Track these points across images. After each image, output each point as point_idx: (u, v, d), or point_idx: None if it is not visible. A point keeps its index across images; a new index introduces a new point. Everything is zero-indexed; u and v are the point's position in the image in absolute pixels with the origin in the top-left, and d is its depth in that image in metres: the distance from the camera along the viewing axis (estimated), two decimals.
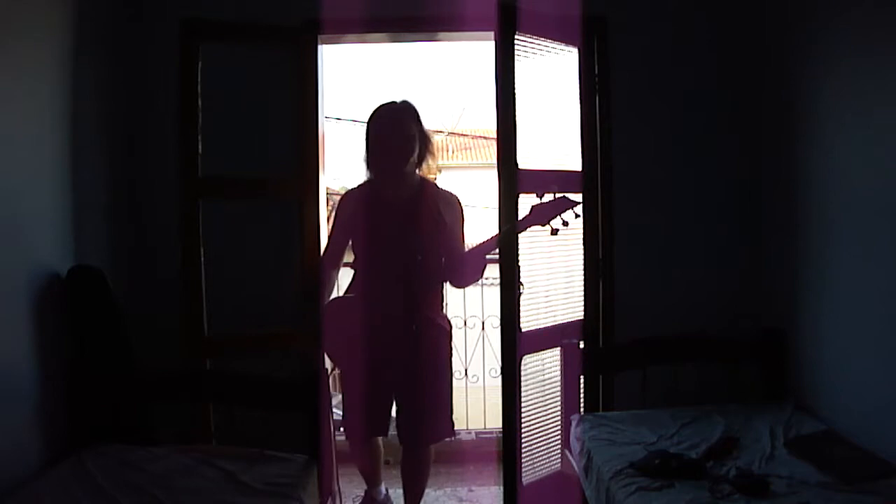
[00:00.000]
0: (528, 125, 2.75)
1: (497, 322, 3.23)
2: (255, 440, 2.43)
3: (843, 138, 2.47)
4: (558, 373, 2.82)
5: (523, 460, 2.81)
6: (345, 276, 2.78)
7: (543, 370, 2.92)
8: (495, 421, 3.52)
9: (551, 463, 2.92)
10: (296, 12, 2.95)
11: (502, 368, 2.78)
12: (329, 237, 2.77)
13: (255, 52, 3.02)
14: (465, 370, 4.28)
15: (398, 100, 2.63)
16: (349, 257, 2.74)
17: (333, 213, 2.77)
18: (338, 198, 2.86)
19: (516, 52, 2.71)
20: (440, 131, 14.22)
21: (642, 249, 3.08)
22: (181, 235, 2.94)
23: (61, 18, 2.50)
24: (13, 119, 2.19)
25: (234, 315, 2.93)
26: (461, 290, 4.19)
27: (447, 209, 2.63)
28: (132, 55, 2.99)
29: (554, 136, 2.96)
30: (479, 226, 3.62)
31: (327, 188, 3.26)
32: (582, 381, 2.85)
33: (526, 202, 2.68)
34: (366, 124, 2.61)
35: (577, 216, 2.55)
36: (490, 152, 12.23)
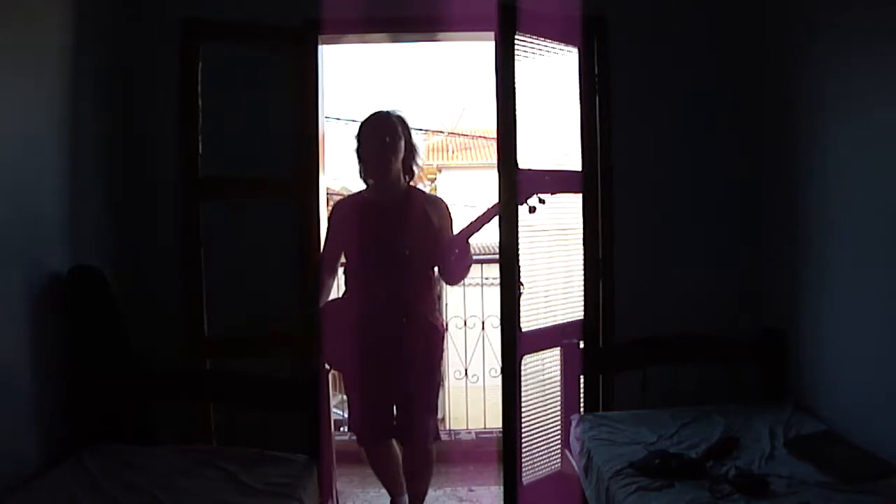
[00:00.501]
0: (529, 125, 2.75)
1: (497, 322, 3.23)
2: (255, 440, 2.43)
3: (843, 138, 2.47)
4: (558, 373, 2.82)
5: (523, 460, 2.81)
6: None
7: (543, 370, 2.92)
8: (495, 421, 3.52)
9: (551, 463, 2.92)
10: (296, 12, 2.95)
11: (502, 368, 2.78)
12: (323, 247, 2.83)
13: (255, 52, 3.02)
14: (465, 370, 4.28)
15: (388, 110, 2.71)
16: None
17: (327, 224, 2.87)
18: (338, 198, 2.89)
19: (516, 52, 2.71)
20: (440, 131, 14.23)
21: (642, 249, 3.07)
22: (181, 235, 2.94)
23: (61, 18, 2.50)
24: (13, 119, 2.19)
25: (235, 315, 2.93)
26: (460, 289, 4.22)
27: (434, 211, 2.72)
28: (132, 55, 2.99)
29: (554, 136, 2.96)
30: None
31: (327, 188, 3.26)
32: (582, 381, 2.85)
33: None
34: (357, 132, 2.71)
35: (541, 201, 2.71)
36: (490, 152, 12.22)
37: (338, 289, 2.82)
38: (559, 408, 2.82)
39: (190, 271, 2.94)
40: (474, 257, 2.77)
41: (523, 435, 2.81)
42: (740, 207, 3.09)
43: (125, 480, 2.10)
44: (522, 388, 2.79)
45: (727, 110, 3.09)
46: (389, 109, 2.72)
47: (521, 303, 2.78)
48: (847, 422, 2.40)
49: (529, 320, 2.83)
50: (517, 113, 2.70)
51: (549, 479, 2.89)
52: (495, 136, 2.75)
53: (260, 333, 2.98)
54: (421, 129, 14.31)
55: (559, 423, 2.84)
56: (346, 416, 3.27)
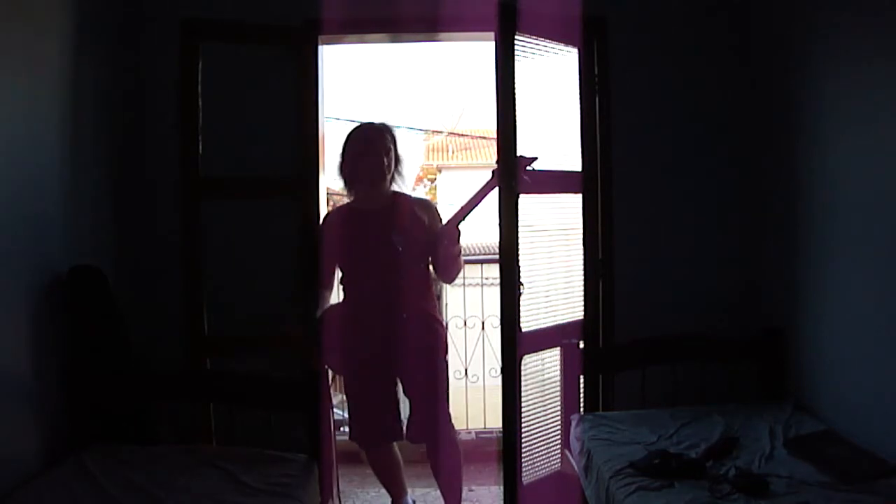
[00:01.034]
0: (528, 125, 2.75)
1: (497, 322, 3.23)
2: (255, 440, 2.43)
3: (843, 138, 2.47)
4: (558, 373, 2.82)
5: (523, 460, 2.81)
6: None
7: (543, 370, 2.92)
8: (495, 421, 3.52)
9: (551, 463, 2.92)
10: (296, 12, 2.95)
11: (502, 368, 2.78)
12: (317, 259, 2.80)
13: (255, 52, 3.02)
14: (465, 370, 4.28)
15: (374, 122, 2.74)
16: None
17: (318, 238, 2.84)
18: (338, 198, 2.89)
19: (516, 53, 2.71)
20: (440, 131, 14.23)
21: (642, 249, 3.07)
22: (181, 235, 2.94)
23: (62, 19, 2.50)
24: (13, 119, 2.19)
25: (234, 315, 2.93)
26: (460, 289, 4.21)
27: (423, 210, 2.73)
28: (132, 55, 2.99)
29: (554, 136, 2.96)
30: (479, 225, 3.62)
31: (327, 188, 3.26)
32: (582, 380, 2.85)
33: (524, 202, 2.71)
34: (343, 143, 2.71)
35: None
36: (490, 152, 12.21)
37: (337, 292, 2.82)
38: (559, 408, 2.82)
39: (190, 271, 2.94)
40: (474, 257, 2.78)
41: (523, 435, 2.81)
42: (740, 207, 3.09)
43: (125, 480, 2.10)
44: (522, 388, 2.79)
45: (727, 110, 3.09)
46: (375, 121, 2.74)
47: (521, 303, 2.78)
48: (847, 422, 2.40)
49: (529, 320, 2.83)
50: (517, 113, 2.70)
51: (549, 479, 2.89)
52: (495, 136, 2.75)
53: (260, 333, 2.98)
54: (421, 129, 14.29)
55: (559, 422, 2.84)
56: (346, 416, 3.26)
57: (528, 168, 2.64)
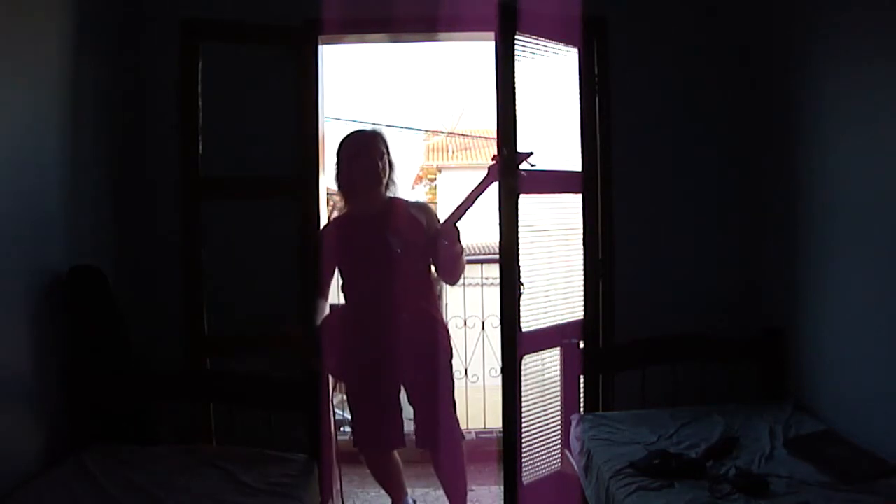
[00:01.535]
0: (528, 125, 2.75)
1: (497, 322, 3.23)
2: (255, 440, 2.43)
3: (843, 138, 2.47)
4: (558, 373, 2.82)
5: (523, 460, 2.81)
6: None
7: (543, 370, 2.92)
8: (495, 421, 3.52)
9: (551, 463, 2.92)
10: (296, 12, 2.95)
11: (502, 368, 2.78)
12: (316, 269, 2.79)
13: (255, 52, 3.02)
14: (465, 370, 4.28)
15: (367, 129, 2.77)
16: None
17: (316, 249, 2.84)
18: (338, 198, 2.89)
19: (516, 53, 2.71)
20: (440, 131, 14.22)
21: (642, 249, 3.07)
22: (182, 235, 2.94)
23: (62, 19, 2.50)
24: (13, 119, 2.19)
25: (234, 315, 2.93)
26: (460, 289, 4.21)
27: (420, 213, 2.74)
28: (132, 55, 2.99)
29: (554, 136, 2.96)
30: (479, 225, 3.63)
31: (327, 188, 3.26)
32: (582, 380, 2.85)
33: (524, 202, 2.71)
34: (337, 149, 2.73)
35: (531, 165, 2.69)
36: (490, 152, 12.20)
37: (337, 296, 2.81)
38: (559, 408, 2.82)
39: (190, 271, 2.94)
40: (475, 257, 2.77)
41: (523, 435, 2.81)
42: (740, 207, 3.09)
43: (125, 480, 2.10)
44: (522, 388, 2.79)
45: (727, 110, 3.09)
46: (367, 128, 2.76)
47: (521, 303, 2.78)
48: (847, 421, 2.40)
49: (529, 320, 2.83)
50: (517, 113, 2.70)
51: (549, 479, 2.89)
52: (495, 136, 2.75)
53: (260, 333, 2.98)
54: (421, 129, 14.28)
55: (559, 423, 2.84)
56: (346, 415, 3.26)
57: (524, 164, 2.64)
